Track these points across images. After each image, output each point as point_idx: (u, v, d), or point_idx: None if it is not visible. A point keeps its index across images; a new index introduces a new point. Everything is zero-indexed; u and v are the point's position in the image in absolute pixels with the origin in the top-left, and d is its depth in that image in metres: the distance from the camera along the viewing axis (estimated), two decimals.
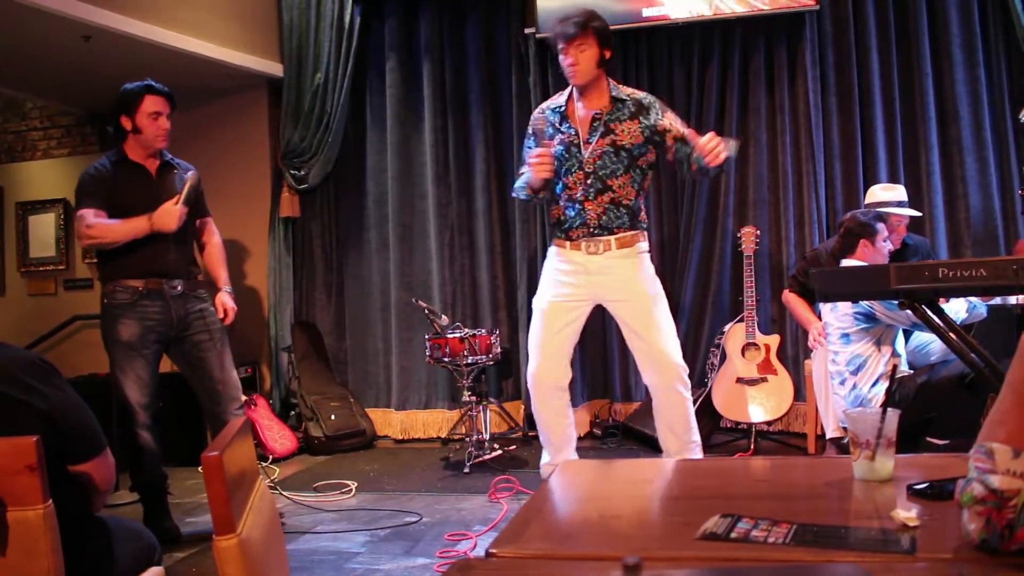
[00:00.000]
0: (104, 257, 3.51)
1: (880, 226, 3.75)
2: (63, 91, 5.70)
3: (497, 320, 5.38)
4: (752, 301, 4.59)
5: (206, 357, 3.57)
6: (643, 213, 3.60)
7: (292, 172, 5.52)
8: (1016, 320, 3.74)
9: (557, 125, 3.53)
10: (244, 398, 4.90)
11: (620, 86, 3.59)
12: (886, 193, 4.05)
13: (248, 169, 5.65)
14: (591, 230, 3.49)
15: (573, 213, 3.51)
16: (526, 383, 5.23)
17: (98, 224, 3.40)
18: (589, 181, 3.47)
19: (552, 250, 3.66)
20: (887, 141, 4.79)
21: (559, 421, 3.63)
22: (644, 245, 3.58)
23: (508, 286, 5.44)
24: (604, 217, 3.48)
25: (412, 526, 3.59)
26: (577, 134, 3.48)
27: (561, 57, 3.45)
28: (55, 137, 6.40)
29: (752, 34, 4.96)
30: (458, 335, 4.46)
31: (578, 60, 3.39)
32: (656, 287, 3.55)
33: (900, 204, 4.01)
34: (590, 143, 3.46)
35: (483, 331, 4.58)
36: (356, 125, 5.65)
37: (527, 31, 5.15)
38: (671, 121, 3.49)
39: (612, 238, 3.49)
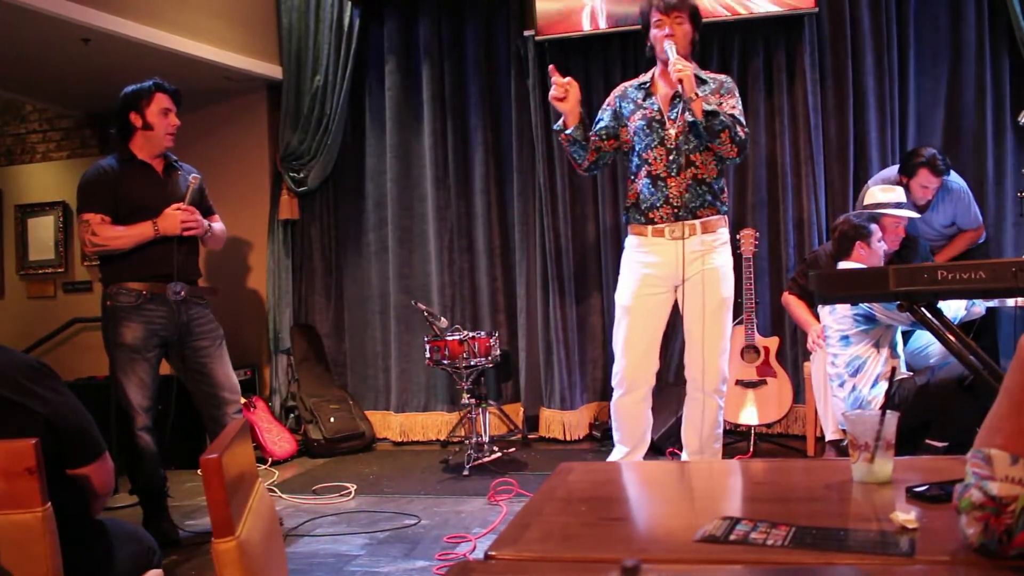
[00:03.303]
0: (107, 259, 3.50)
1: (874, 227, 3.76)
2: (62, 94, 5.70)
3: (496, 322, 5.38)
4: (751, 303, 4.59)
5: (208, 363, 3.57)
6: (725, 195, 3.50)
7: (291, 175, 5.52)
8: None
9: (640, 101, 3.49)
10: (243, 400, 4.92)
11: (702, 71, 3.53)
12: (885, 195, 4.06)
13: (247, 172, 5.65)
14: (675, 210, 3.39)
15: (654, 191, 3.42)
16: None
17: (104, 232, 3.40)
18: (671, 157, 3.39)
19: (631, 240, 3.53)
20: (892, 143, 4.80)
21: (639, 422, 3.54)
22: (726, 234, 3.48)
23: (507, 288, 5.44)
24: (687, 195, 3.38)
25: (411, 529, 3.58)
26: (660, 111, 3.44)
27: (654, 31, 3.40)
28: (54, 140, 6.40)
29: (751, 37, 4.96)
30: (457, 337, 4.46)
31: (675, 33, 3.37)
32: (731, 288, 3.47)
33: (898, 206, 4.01)
34: (673, 119, 3.41)
35: (482, 333, 4.58)
36: (355, 128, 5.65)
37: (526, 34, 5.15)
38: (727, 104, 3.41)
39: (697, 222, 3.39)
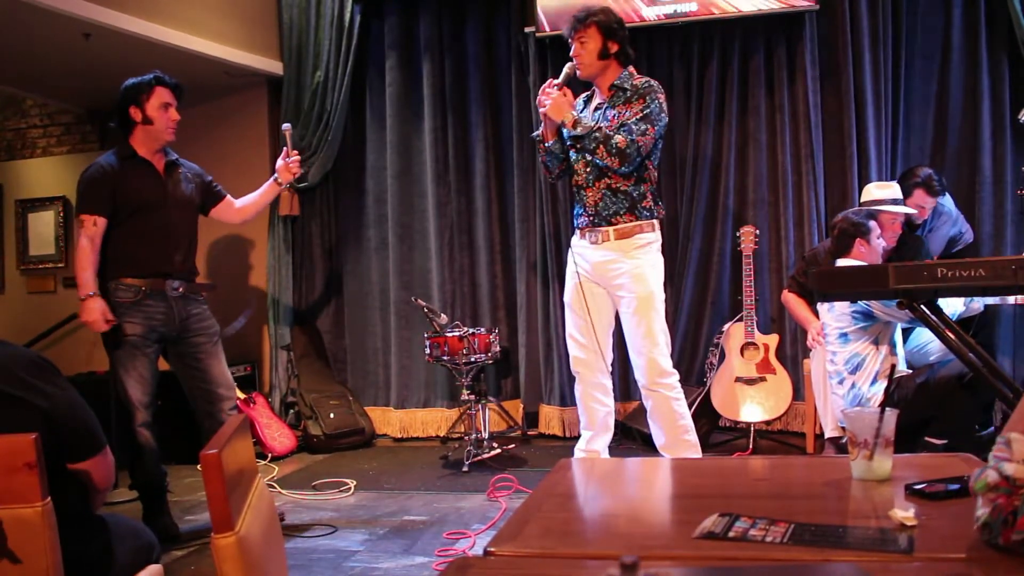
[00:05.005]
0: (106, 255, 3.50)
1: (873, 224, 3.77)
2: (63, 89, 5.70)
3: (496, 319, 5.38)
4: (751, 301, 4.59)
5: (204, 359, 3.57)
6: (648, 201, 3.59)
7: None
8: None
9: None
10: (243, 396, 4.92)
11: (634, 76, 3.63)
12: (881, 191, 4.08)
13: (248, 167, 5.64)
14: (591, 218, 3.60)
15: (578, 199, 3.67)
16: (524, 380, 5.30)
17: (77, 252, 3.44)
18: (589, 168, 3.58)
19: (573, 241, 3.78)
20: (889, 141, 4.80)
21: (594, 408, 3.73)
22: (648, 236, 3.58)
23: (507, 285, 5.44)
24: (601, 203, 3.57)
25: (410, 525, 3.59)
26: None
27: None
28: (55, 135, 6.40)
29: (752, 34, 4.95)
30: (457, 334, 4.46)
31: (580, 53, 3.57)
32: (651, 286, 3.55)
33: (895, 202, 4.03)
34: None
35: (482, 330, 4.58)
36: (356, 124, 5.65)
37: (527, 30, 5.15)
38: (630, 112, 3.51)
39: (611, 228, 3.57)
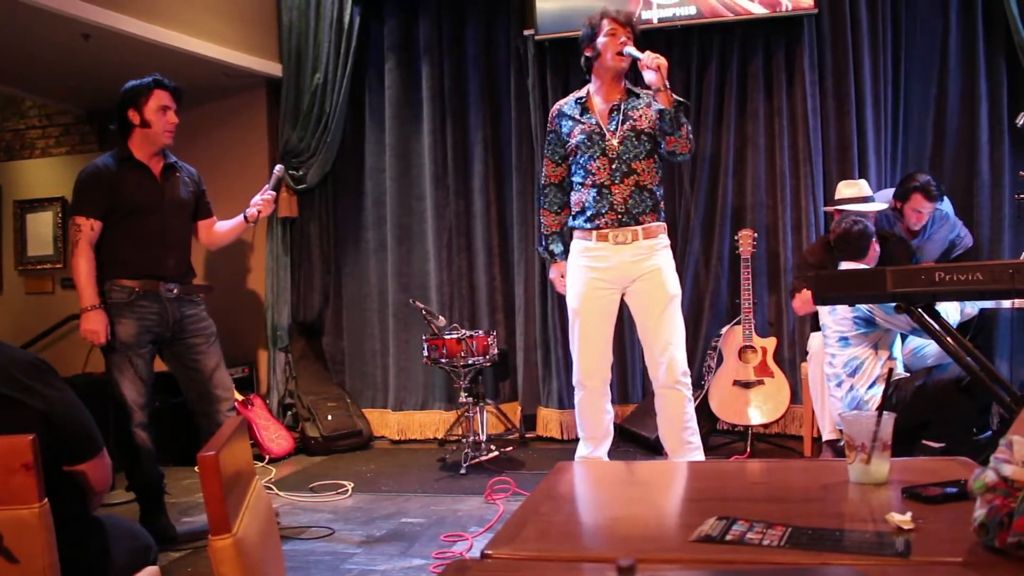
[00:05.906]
0: (101, 256, 3.50)
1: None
2: (62, 89, 5.70)
3: (495, 321, 5.38)
4: (749, 304, 4.59)
5: (200, 359, 3.57)
6: (663, 203, 3.64)
7: (290, 172, 5.51)
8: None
9: (577, 116, 3.63)
10: (240, 398, 4.92)
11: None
12: (848, 190, 4.27)
13: (246, 169, 5.65)
14: (618, 216, 3.53)
15: (599, 199, 3.55)
16: (518, 383, 5.30)
17: (80, 260, 3.44)
18: (614, 166, 3.53)
19: (576, 245, 3.66)
20: (888, 145, 4.80)
21: (600, 417, 3.66)
22: (666, 237, 3.62)
23: (506, 288, 5.44)
24: (630, 201, 3.52)
25: (408, 527, 3.59)
26: (598, 124, 3.57)
27: (606, 39, 3.53)
28: (53, 135, 6.40)
29: (751, 37, 4.96)
30: (455, 336, 4.46)
31: (628, 44, 3.53)
32: (677, 286, 3.59)
33: (866, 200, 4.18)
34: (612, 130, 3.55)
35: (480, 332, 4.58)
36: (355, 125, 5.65)
37: (526, 32, 5.15)
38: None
39: (639, 228, 3.53)
